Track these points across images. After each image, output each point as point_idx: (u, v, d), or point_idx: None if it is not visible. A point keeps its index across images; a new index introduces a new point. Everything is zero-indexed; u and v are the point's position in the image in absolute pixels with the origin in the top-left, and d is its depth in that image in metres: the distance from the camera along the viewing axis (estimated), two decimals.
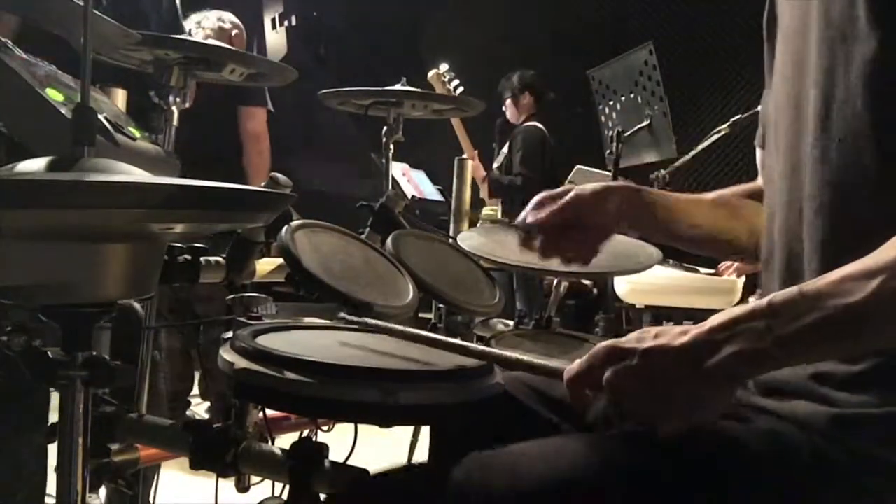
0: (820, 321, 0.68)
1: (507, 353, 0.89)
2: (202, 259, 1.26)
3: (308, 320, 1.14)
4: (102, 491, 1.36)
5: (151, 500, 1.57)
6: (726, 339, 0.70)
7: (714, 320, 0.72)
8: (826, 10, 0.81)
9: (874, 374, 0.77)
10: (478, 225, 3.60)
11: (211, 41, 2.66)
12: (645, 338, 0.74)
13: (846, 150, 0.78)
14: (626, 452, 0.80)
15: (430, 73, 3.74)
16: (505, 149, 4.42)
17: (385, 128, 2.15)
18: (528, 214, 1.08)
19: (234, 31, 3.01)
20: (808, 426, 0.79)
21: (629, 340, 0.74)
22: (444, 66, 3.79)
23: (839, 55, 0.79)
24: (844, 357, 0.77)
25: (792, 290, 0.70)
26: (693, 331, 0.72)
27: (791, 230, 0.87)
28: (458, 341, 0.93)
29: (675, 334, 0.73)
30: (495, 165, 4.43)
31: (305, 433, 1.06)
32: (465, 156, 3.33)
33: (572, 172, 3.05)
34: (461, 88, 3.76)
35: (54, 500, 1.01)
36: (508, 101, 4.50)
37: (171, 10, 2.33)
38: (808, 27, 0.84)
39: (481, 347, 0.91)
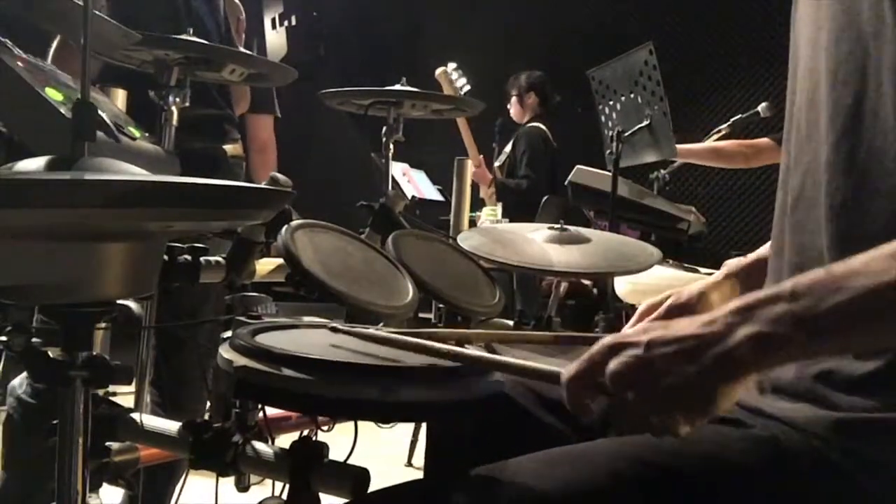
0: (846, 302, 0.63)
1: (502, 358, 0.87)
2: (202, 259, 1.26)
3: (308, 320, 1.13)
4: (112, 492, 1.36)
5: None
6: (740, 322, 0.65)
7: (730, 305, 0.67)
8: (853, 8, 0.80)
9: (879, 377, 0.76)
10: (477, 225, 3.61)
11: None
12: (651, 328, 0.69)
13: (873, 152, 0.78)
14: (624, 462, 0.80)
15: (438, 71, 3.72)
16: (507, 148, 4.42)
17: (385, 128, 2.15)
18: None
19: (241, 17, 2.96)
20: (810, 430, 0.78)
21: (634, 333, 0.69)
22: (451, 65, 3.78)
23: (871, 55, 0.78)
24: (869, 344, 0.71)
25: (818, 271, 0.66)
26: (704, 317, 0.67)
27: (805, 230, 0.86)
28: (449, 347, 0.93)
29: (685, 323, 0.68)
30: (496, 165, 4.42)
31: (305, 432, 1.06)
32: (466, 157, 3.33)
33: (572, 172, 3.05)
34: (468, 87, 3.75)
35: (54, 501, 1.02)
36: (513, 100, 4.49)
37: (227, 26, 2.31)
38: (825, 24, 0.84)
39: (475, 353, 0.91)
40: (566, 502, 0.76)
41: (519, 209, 4.02)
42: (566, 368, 0.72)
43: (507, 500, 0.77)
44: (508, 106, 4.52)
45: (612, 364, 0.68)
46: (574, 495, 0.76)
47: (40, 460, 1.31)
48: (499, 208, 4.19)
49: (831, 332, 0.65)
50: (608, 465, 0.79)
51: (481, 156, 4.17)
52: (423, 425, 1.45)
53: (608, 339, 0.70)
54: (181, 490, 1.44)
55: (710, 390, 0.67)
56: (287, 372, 0.83)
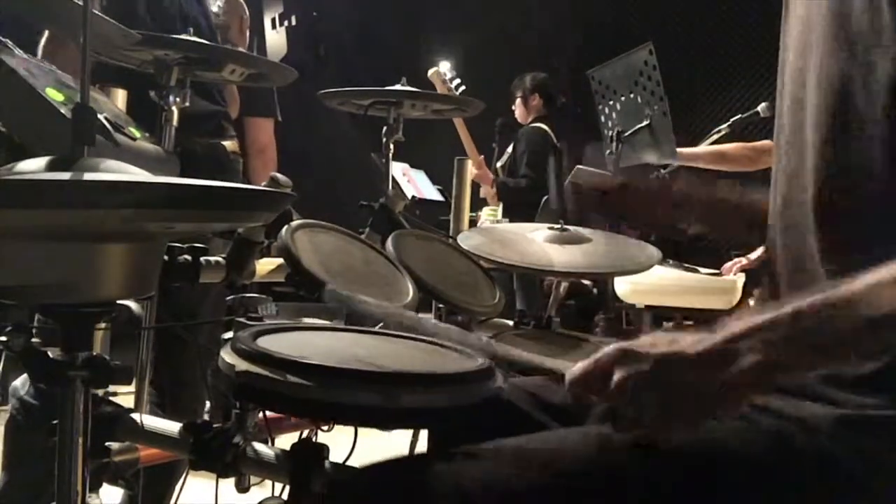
0: (849, 330, 0.66)
1: (513, 351, 0.87)
2: (202, 259, 1.26)
3: (308, 321, 1.13)
4: (113, 492, 1.36)
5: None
6: (747, 348, 0.68)
7: (734, 327, 0.69)
8: (843, 12, 0.80)
9: (883, 376, 0.76)
10: (477, 225, 3.60)
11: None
12: (659, 343, 0.71)
13: (860, 156, 0.78)
14: (626, 455, 0.80)
15: (430, 72, 3.72)
16: (509, 149, 4.42)
17: (385, 128, 2.15)
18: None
19: (244, 15, 2.95)
20: (814, 427, 0.78)
21: (642, 344, 0.72)
22: (444, 65, 3.77)
23: (857, 57, 0.78)
24: (865, 358, 0.75)
25: (818, 295, 0.68)
26: (711, 339, 0.70)
27: (795, 232, 0.86)
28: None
29: (692, 342, 0.70)
30: (498, 165, 4.42)
31: (305, 433, 1.06)
32: (466, 157, 3.33)
33: (572, 172, 3.05)
34: (462, 87, 3.74)
35: (54, 501, 1.02)
36: (518, 101, 4.49)
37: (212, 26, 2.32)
38: (815, 25, 0.84)
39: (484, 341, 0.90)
40: (570, 484, 0.76)
41: (520, 209, 4.02)
42: (572, 369, 0.74)
43: (513, 480, 0.77)
44: (513, 107, 4.52)
45: (618, 375, 0.70)
46: (578, 478, 0.77)
47: (43, 461, 1.31)
48: (500, 208, 4.19)
49: (832, 354, 0.69)
50: (611, 452, 0.79)
51: (481, 156, 4.17)
52: None
53: (616, 346, 0.72)
54: (181, 490, 1.44)
55: (712, 409, 0.70)
56: (288, 377, 0.82)
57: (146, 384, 1.64)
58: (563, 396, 1.00)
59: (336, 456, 0.96)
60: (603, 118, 2.87)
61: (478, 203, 4.11)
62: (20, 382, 1.64)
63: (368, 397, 0.81)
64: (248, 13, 2.92)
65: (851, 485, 0.77)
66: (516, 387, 1.00)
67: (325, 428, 1.16)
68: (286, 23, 6.28)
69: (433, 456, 0.81)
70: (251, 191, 0.98)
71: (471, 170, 3.37)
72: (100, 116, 1.14)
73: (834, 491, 0.77)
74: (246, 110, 2.85)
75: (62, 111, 1.06)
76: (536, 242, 1.75)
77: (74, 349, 0.98)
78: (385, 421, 0.85)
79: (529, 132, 4.35)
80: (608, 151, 2.75)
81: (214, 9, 2.74)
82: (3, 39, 1.14)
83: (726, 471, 0.78)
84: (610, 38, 4.73)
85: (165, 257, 1.19)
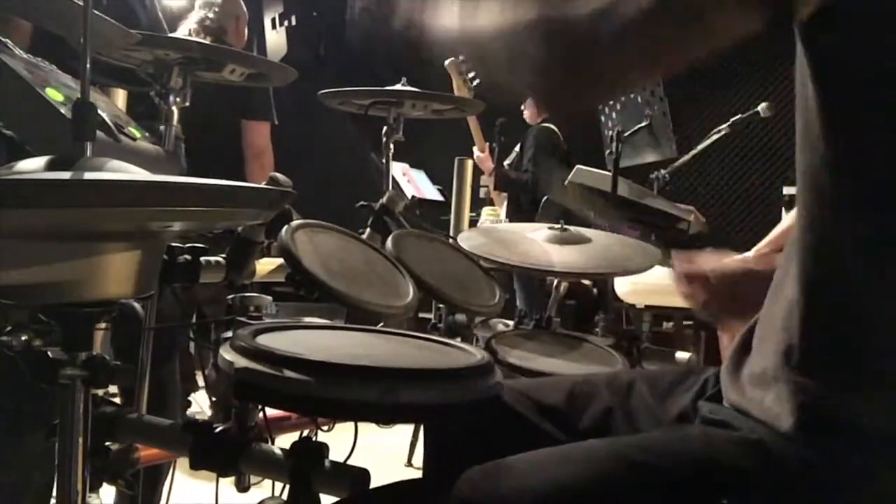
0: None
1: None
2: (202, 259, 1.26)
3: (308, 320, 1.14)
4: (112, 492, 1.35)
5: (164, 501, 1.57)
6: None
7: None
8: None
9: (862, 374, 0.76)
10: (477, 225, 3.61)
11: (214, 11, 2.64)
12: None
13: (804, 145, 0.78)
14: (613, 462, 0.80)
15: (448, 61, 3.73)
16: (517, 147, 4.43)
17: (385, 128, 2.15)
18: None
19: (241, 14, 2.94)
20: (795, 435, 0.78)
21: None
22: (462, 56, 3.79)
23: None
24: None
25: None
26: None
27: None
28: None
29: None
30: (506, 163, 4.43)
31: (305, 433, 1.06)
32: (467, 157, 3.34)
33: (572, 172, 3.05)
34: (477, 80, 3.75)
35: (54, 500, 1.02)
36: (531, 101, 4.48)
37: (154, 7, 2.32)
38: None
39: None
40: (556, 501, 0.77)
41: (522, 205, 4.03)
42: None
43: (497, 499, 0.77)
44: (522, 107, 4.52)
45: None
46: (564, 494, 0.77)
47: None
48: (501, 209, 4.20)
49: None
50: (598, 465, 0.79)
51: (487, 142, 4.20)
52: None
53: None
54: (170, 490, 1.44)
55: None
56: (288, 374, 0.83)
57: (146, 384, 1.63)
58: (556, 398, 1.01)
59: (336, 455, 0.96)
60: (603, 118, 2.88)
61: (478, 203, 4.12)
62: None
63: (367, 393, 0.81)
64: (245, 12, 2.91)
65: (833, 494, 0.76)
66: (511, 388, 1.00)
67: (325, 427, 1.16)
68: (286, 23, 6.27)
69: (444, 472, 0.80)
70: (251, 190, 0.98)
71: (479, 160, 3.37)
72: (101, 113, 1.14)
73: (816, 500, 0.77)
74: (243, 114, 2.85)
75: (62, 111, 1.06)
76: (536, 242, 1.75)
77: (74, 349, 0.98)
78: (384, 416, 0.85)
79: (538, 130, 4.36)
80: (608, 151, 2.76)
81: (211, 14, 2.74)
82: (4, 39, 1.14)
83: (710, 476, 0.78)
84: None
85: (165, 257, 1.19)
